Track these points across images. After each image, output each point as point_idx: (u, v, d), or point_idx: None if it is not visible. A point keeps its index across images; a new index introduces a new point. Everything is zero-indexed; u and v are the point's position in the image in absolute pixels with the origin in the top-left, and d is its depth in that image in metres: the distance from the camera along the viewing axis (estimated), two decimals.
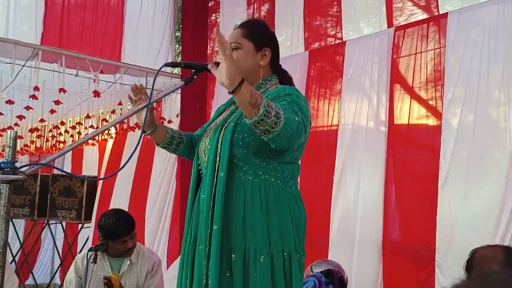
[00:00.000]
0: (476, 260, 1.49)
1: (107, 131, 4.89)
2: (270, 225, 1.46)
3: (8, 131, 1.14)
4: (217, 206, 1.44)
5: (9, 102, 3.74)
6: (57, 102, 3.72)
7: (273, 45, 1.66)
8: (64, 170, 5.38)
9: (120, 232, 2.46)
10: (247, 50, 1.60)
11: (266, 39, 1.65)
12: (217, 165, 1.48)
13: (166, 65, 1.54)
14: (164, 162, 4.54)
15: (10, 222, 1.36)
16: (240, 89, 1.28)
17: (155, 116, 1.67)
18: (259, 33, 1.65)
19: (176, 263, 3.76)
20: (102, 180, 4.94)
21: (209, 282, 1.42)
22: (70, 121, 5.09)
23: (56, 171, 4.96)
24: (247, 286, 1.42)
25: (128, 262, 2.55)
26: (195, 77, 1.49)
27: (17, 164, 1.14)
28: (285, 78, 1.67)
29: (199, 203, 1.55)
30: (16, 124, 4.48)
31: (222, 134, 1.51)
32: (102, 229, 2.48)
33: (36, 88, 3.46)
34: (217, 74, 1.31)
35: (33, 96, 3.55)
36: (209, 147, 1.55)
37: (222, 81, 1.29)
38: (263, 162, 1.48)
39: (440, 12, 2.93)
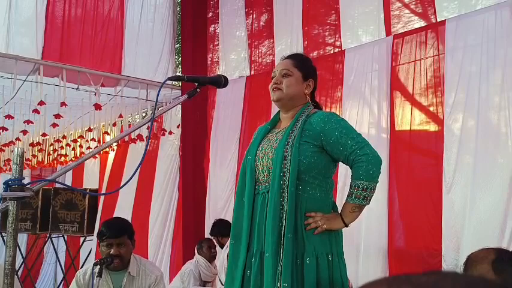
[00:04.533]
0: (470, 261, 1.52)
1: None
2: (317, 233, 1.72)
3: (15, 148, 1.14)
4: (289, 216, 1.68)
5: (8, 116, 3.75)
6: (57, 116, 3.73)
7: (315, 78, 1.94)
8: (66, 183, 5.37)
9: (106, 232, 2.42)
10: (297, 78, 1.86)
11: (311, 72, 1.93)
12: (287, 180, 1.71)
13: (170, 79, 1.55)
14: (166, 175, 4.54)
15: None
16: (348, 222, 1.75)
17: None
18: (307, 66, 1.93)
19: (179, 277, 3.75)
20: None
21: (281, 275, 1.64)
22: (71, 134, 5.10)
23: (57, 185, 4.95)
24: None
25: (127, 275, 2.51)
26: (198, 90, 1.51)
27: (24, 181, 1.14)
28: (317, 105, 1.97)
29: (262, 217, 1.74)
30: (18, 139, 4.49)
31: (289, 153, 1.73)
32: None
33: (42, 102, 3.47)
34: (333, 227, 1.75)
35: (36, 111, 3.56)
36: (272, 164, 1.75)
37: (340, 228, 1.76)
38: (311, 179, 1.74)
39: (438, 19, 2.95)
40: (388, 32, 3.17)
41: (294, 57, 1.93)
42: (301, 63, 1.90)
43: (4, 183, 1.10)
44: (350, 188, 1.74)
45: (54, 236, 5.09)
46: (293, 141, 1.75)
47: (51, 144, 5.29)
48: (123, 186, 1.42)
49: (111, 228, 2.44)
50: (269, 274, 1.66)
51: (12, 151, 4.49)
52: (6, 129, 4.02)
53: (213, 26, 4.45)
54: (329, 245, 1.74)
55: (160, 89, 1.46)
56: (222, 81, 1.61)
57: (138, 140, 4.43)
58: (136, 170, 1.43)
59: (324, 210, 1.75)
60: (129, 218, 4.39)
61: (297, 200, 1.70)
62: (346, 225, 1.76)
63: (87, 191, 4.89)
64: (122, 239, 2.45)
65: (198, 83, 1.52)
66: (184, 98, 1.50)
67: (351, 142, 1.73)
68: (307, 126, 1.78)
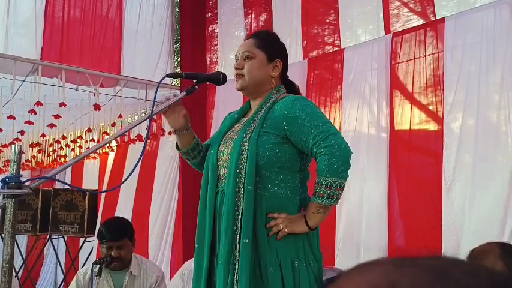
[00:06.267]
0: (474, 256, 1.51)
1: (107, 144, 4.89)
2: (280, 238, 1.50)
3: (12, 146, 1.14)
4: (245, 219, 1.47)
5: (11, 117, 3.74)
6: (56, 116, 3.73)
7: (283, 57, 1.71)
8: (67, 183, 5.37)
9: (106, 235, 2.42)
10: (260, 61, 1.64)
11: (278, 51, 1.70)
12: (243, 178, 1.50)
13: (168, 76, 1.55)
14: (166, 175, 4.53)
15: None
16: (312, 225, 1.48)
17: (189, 120, 1.71)
18: (272, 45, 1.69)
19: (179, 275, 3.74)
20: (104, 194, 4.93)
21: None
22: (71, 135, 5.10)
23: (57, 186, 4.94)
24: None
25: (128, 275, 2.51)
26: (196, 87, 1.50)
27: (21, 179, 1.14)
28: (291, 88, 1.73)
29: (221, 217, 1.55)
30: (17, 139, 4.48)
31: (246, 146, 1.52)
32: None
33: (39, 103, 3.47)
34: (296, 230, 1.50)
35: (33, 111, 3.55)
36: (229, 159, 1.56)
37: (304, 231, 1.49)
38: (273, 174, 1.52)
39: (437, 17, 2.94)
40: (387, 31, 3.17)
41: (257, 36, 1.69)
42: (264, 42, 1.66)
43: (1, 181, 1.10)
44: (315, 185, 1.50)
45: (54, 237, 5.08)
46: (252, 132, 1.53)
47: (51, 145, 5.29)
48: (124, 182, 1.42)
49: (111, 231, 2.44)
50: (220, 284, 1.48)
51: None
52: (1, 130, 4.01)
53: (211, 26, 4.45)
54: (295, 249, 1.51)
55: (158, 85, 1.46)
56: (220, 78, 1.60)
57: (138, 141, 4.42)
58: (135, 165, 1.42)
59: (289, 211, 1.52)
60: (129, 219, 4.38)
61: (256, 200, 1.48)
62: (311, 228, 1.50)
63: (89, 190, 4.89)
64: (122, 241, 2.46)
65: (196, 79, 1.52)
66: (182, 95, 1.49)
67: (315, 131, 1.47)
68: (270, 115, 1.56)
